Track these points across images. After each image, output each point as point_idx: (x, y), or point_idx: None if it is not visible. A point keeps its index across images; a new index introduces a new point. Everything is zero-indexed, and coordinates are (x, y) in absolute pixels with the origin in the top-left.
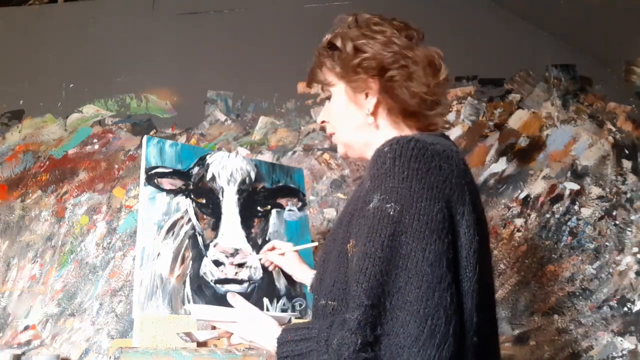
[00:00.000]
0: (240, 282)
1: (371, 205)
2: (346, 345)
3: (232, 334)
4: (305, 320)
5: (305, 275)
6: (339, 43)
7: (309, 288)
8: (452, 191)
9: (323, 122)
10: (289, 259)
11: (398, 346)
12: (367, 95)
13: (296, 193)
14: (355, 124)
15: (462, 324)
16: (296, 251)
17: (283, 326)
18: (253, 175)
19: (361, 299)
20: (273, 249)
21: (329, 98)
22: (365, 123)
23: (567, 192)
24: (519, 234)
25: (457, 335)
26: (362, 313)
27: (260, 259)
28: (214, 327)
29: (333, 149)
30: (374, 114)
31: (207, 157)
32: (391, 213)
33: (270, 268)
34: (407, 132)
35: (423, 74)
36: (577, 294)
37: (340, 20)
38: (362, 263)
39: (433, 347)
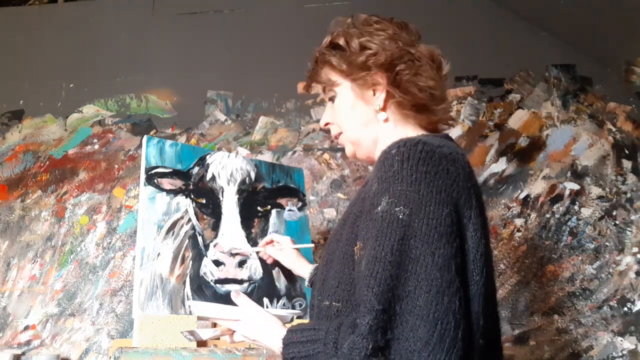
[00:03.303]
0: (240, 281)
1: (379, 209)
2: (357, 350)
3: (234, 332)
4: (307, 320)
5: (304, 270)
6: (342, 42)
7: (307, 282)
8: (459, 194)
9: (327, 124)
10: (287, 253)
11: (408, 350)
12: (374, 92)
13: (296, 193)
14: (363, 120)
15: (470, 327)
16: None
17: (288, 326)
18: (253, 175)
19: (372, 303)
20: (271, 242)
21: (331, 99)
22: (374, 119)
23: (567, 192)
24: (519, 234)
25: (465, 339)
26: (373, 318)
27: (258, 252)
28: (214, 325)
29: (333, 149)
30: (384, 109)
31: (207, 157)
32: (400, 217)
33: (269, 261)
34: (415, 127)
35: (429, 68)
36: (577, 294)
37: (336, 22)
38: (372, 267)
39: (442, 352)
